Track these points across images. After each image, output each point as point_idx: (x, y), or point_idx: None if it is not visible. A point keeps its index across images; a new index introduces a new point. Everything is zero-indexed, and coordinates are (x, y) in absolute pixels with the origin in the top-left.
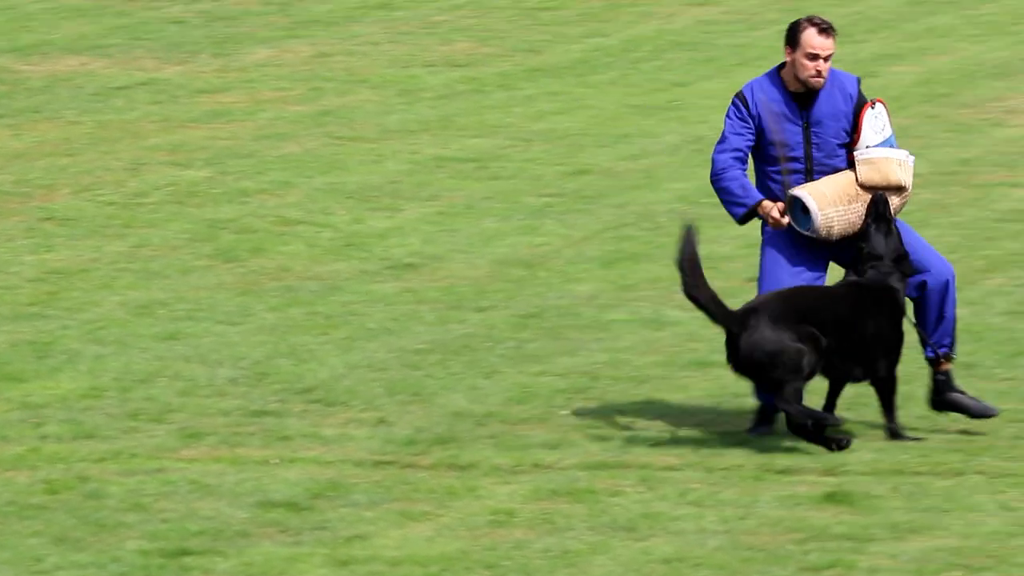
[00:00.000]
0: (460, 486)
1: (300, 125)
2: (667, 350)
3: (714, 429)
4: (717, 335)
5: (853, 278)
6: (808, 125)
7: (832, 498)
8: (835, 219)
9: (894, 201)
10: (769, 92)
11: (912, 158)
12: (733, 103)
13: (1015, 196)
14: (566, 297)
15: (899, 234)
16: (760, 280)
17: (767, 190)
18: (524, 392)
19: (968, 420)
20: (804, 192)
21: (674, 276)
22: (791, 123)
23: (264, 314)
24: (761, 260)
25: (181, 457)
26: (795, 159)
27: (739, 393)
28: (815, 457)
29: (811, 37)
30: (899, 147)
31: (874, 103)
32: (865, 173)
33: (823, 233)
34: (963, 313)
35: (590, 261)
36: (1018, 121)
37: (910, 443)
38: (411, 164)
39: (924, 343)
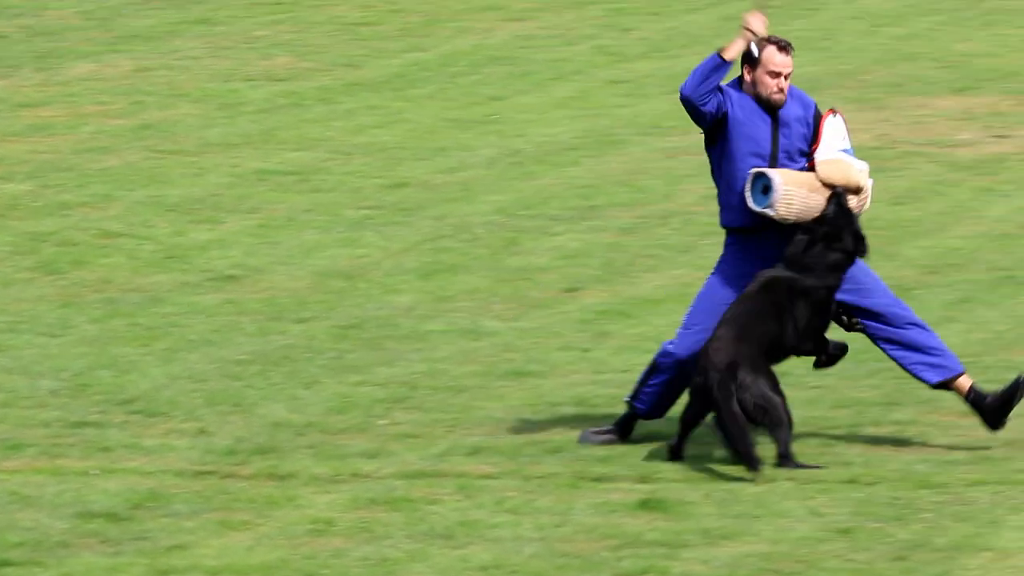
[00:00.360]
0: (280, 495)
1: (121, 139)
2: (484, 360)
3: (530, 438)
4: (533, 345)
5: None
6: (777, 126)
7: (646, 505)
8: (795, 199)
9: (852, 201)
10: (738, 93)
11: (871, 180)
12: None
13: None
14: (385, 308)
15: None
16: (697, 298)
17: (729, 190)
18: (344, 402)
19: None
20: (770, 169)
21: (491, 287)
22: (761, 120)
23: (85, 326)
24: (706, 281)
25: (1, 468)
26: (761, 156)
27: (555, 402)
28: (629, 465)
29: (772, 55)
30: (850, 157)
31: (835, 112)
32: (825, 170)
33: (781, 208)
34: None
35: (409, 273)
36: None
37: (722, 451)
38: (232, 177)
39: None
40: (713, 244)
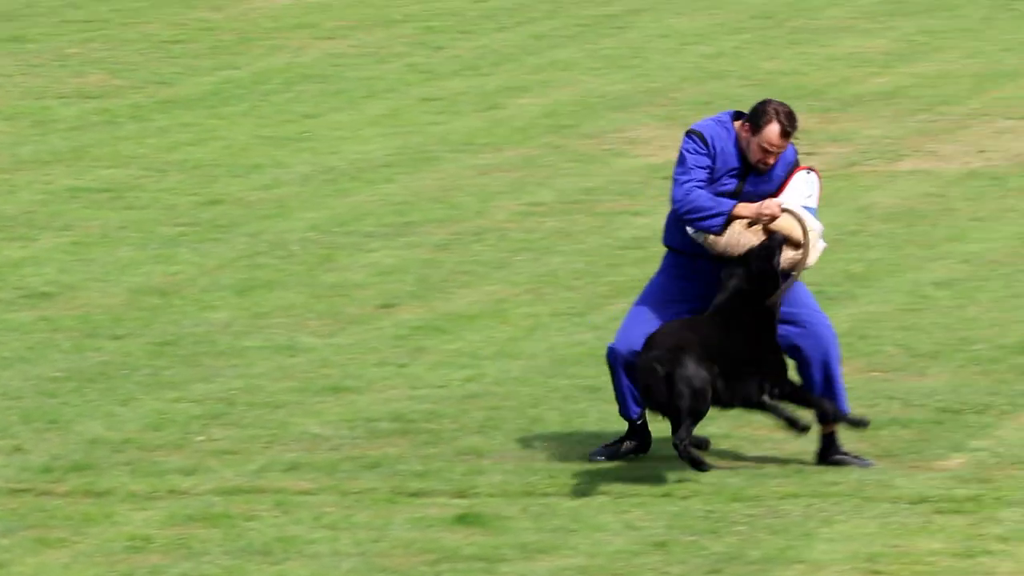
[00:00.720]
0: (97, 512)
1: None
2: (301, 376)
3: (348, 453)
4: (349, 361)
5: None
6: (744, 180)
7: (463, 519)
8: (732, 228)
9: (787, 253)
10: (725, 143)
11: (823, 244)
12: (690, 138)
13: (636, 224)
14: (201, 325)
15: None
16: (638, 299)
17: (682, 233)
18: (160, 419)
19: (594, 442)
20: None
21: (307, 303)
22: (733, 176)
23: None
24: (649, 283)
25: None
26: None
27: (372, 418)
28: (446, 480)
29: (772, 135)
30: (806, 214)
31: (810, 170)
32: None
33: (712, 232)
34: (588, 338)
35: (224, 289)
36: (638, 151)
37: (539, 465)
38: (45, 194)
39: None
40: (526, 260)
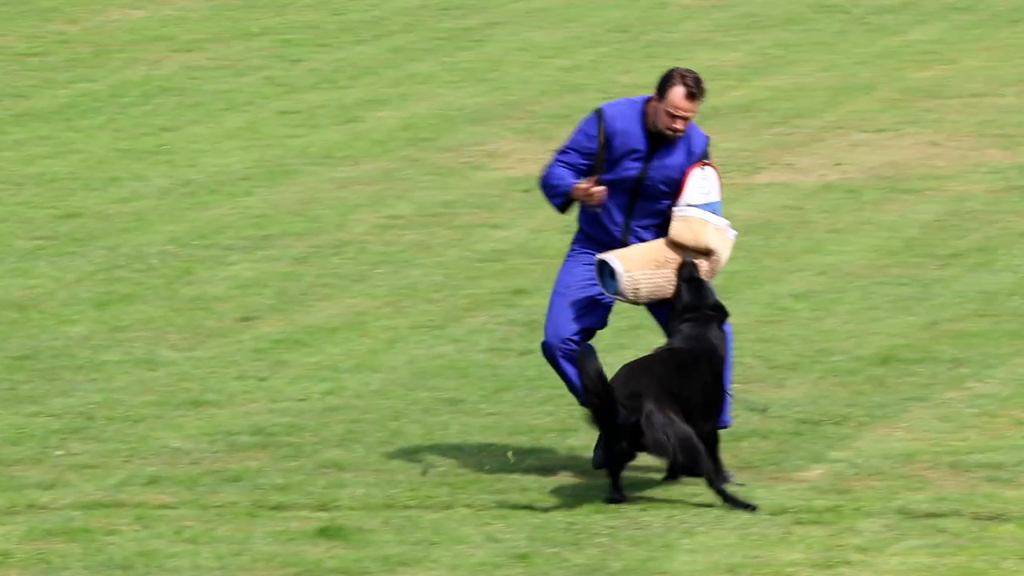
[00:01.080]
0: None
1: None
2: (161, 390)
3: (208, 467)
4: (209, 374)
5: (672, 345)
6: (649, 165)
7: (325, 533)
8: (641, 281)
9: (703, 265)
10: (628, 122)
11: (733, 232)
12: (589, 118)
13: (495, 237)
14: (60, 338)
15: (712, 289)
16: (553, 290)
17: (594, 215)
18: (19, 433)
19: (456, 455)
20: (611, 255)
21: (167, 317)
22: (636, 157)
23: None
24: (559, 271)
25: None
26: (624, 188)
27: (232, 431)
28: (307, 493)
29: (677, 97)
30: (708, 214)
31: (704, 165)
32: (677, 229)
33: (630, 295)
34: (449, 350)
35: (83, 303)
36: (496, 165)
37: (400, 478)
38: None
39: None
40: (386, 273)
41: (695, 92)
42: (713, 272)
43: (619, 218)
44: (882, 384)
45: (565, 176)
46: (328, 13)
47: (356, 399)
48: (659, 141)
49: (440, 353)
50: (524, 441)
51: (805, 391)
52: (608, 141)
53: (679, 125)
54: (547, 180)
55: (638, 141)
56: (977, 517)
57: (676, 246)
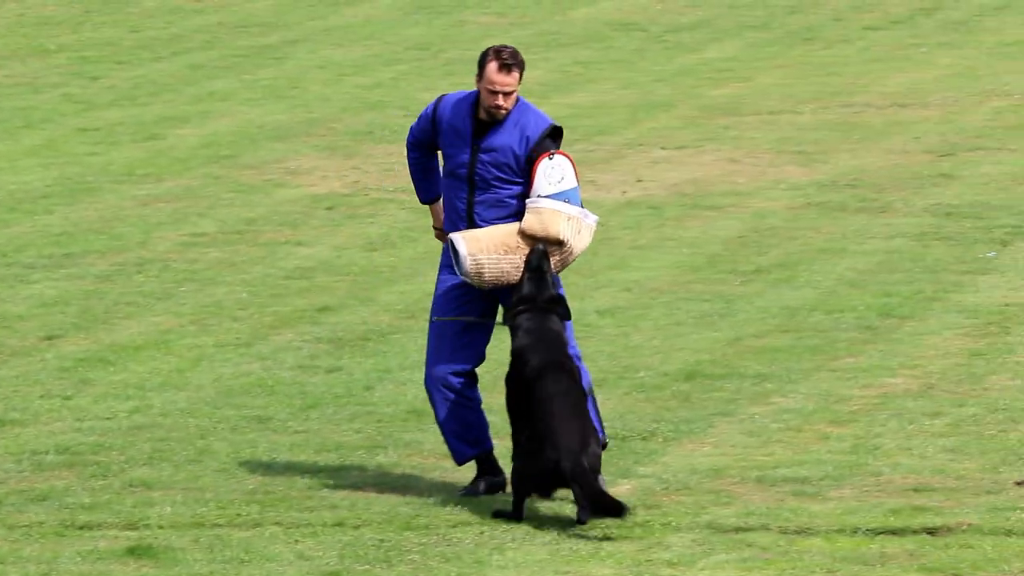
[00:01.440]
0: None
1: None
2: None
3: (13, 487)
4: (13, 393)
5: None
6: (477, 149)
7: (134, 552)
8: (486, 265)
9: (554, 256)
10: (458, 110)
11: (593, 218)
12: (429, 104)
13: (300, 254)
14: None
15: (555, 283)
16: (431, 312)
17: (448, 200)
18: None
19: (264, 472)
20: (459, 235)
21: None
22: (463, 142)
23: None
24: (436, 285)
25: None
26: (461, 178)
27: (38, 450)
28: (115, 512)
29: (491, 72)
30: (560, 204)
31: (552, 155)
32: (528, 221)
33: (473, 278)
34: (255, 368)
35: None
36: (300, 182)
37: (209, 496)
38: None
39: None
40: (190, 290)
41: (509, 64)
42: (565, 262)
43: (462, 210)
44: (688, 399)
45: (417, 176)
46: (126, 30)
47: (163, 417)
48: (486, 126)
49: (247, 371)
50: (332, 459)
51: (612, 407)
52: (437, 126)
53: (500, 101)
54: (408, 159)
55: (463, 125)
56: (784, 531)
57: (527, 237)
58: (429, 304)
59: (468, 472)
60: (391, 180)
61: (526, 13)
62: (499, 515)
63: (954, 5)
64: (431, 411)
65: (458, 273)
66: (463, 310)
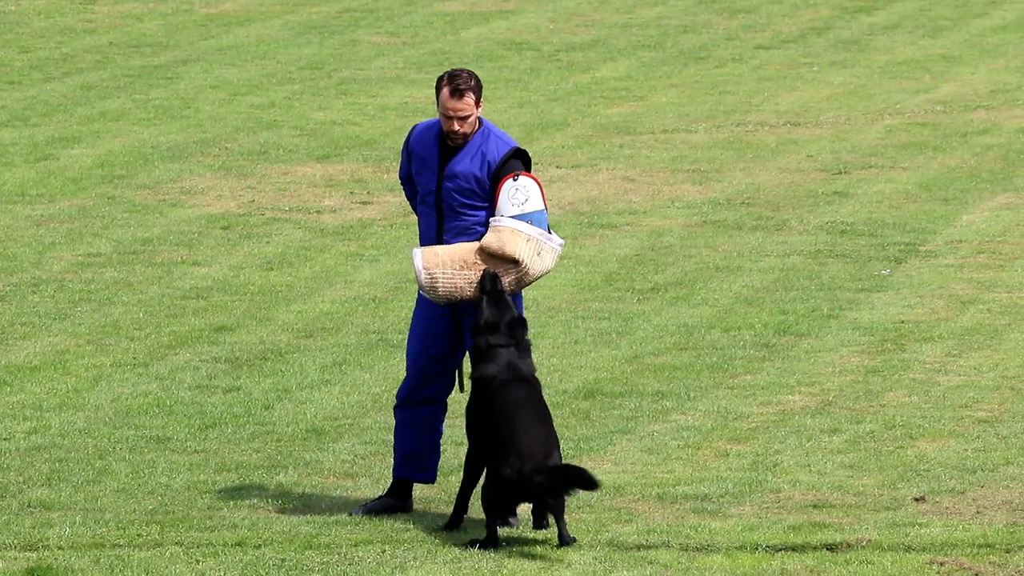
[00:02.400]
0: None
1: None
2: None
3: None
4: None
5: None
6: (442, 176)
7: (33, 573)
8: (440, 280)
9: (509, 275)
10: (425, 137)
11: (558, 240)
12: (408, 133)
13: (196, 274)
14: None
15: (513, 303)
16: (407, 338)
17: (421, 226)
18: None
19: (164, 493)
20: (418, 250)
21: None
22: (429, 170)
23: None
24: (413, 312)
25: None
26: (430, 205)
27: None
28: (14, 533)
29: (444, 99)
30: (522, 224)
31: (517, 176)
32: (487, 238)
33: (428, 291)
34: (153, 388)
35: None
36: (195, 201)
37: (109, 517)
38: None
39: None
40: (86, 310)
41: (461, 88)
42: (520, 282)
43: (433, 237)
44: (587, 417)
45: (413, 204)
46: (16, 51)
47: (61, 438)
48: (451, 152)
49: (145, 391)
50: (232, 478)
51: None
52: (410, 157)
53: (456, 126)
54: (408, 201)
55: (430, 153)
56: (685, 548)
57: (486, 254)
58: (326, 324)
59: (370, 491)
60: (286, 199)
61: (418, 33)
62: (473, 544)
63: (845, 24)
64: (330, 430)
65: (418, 287)
66: (433, 340)
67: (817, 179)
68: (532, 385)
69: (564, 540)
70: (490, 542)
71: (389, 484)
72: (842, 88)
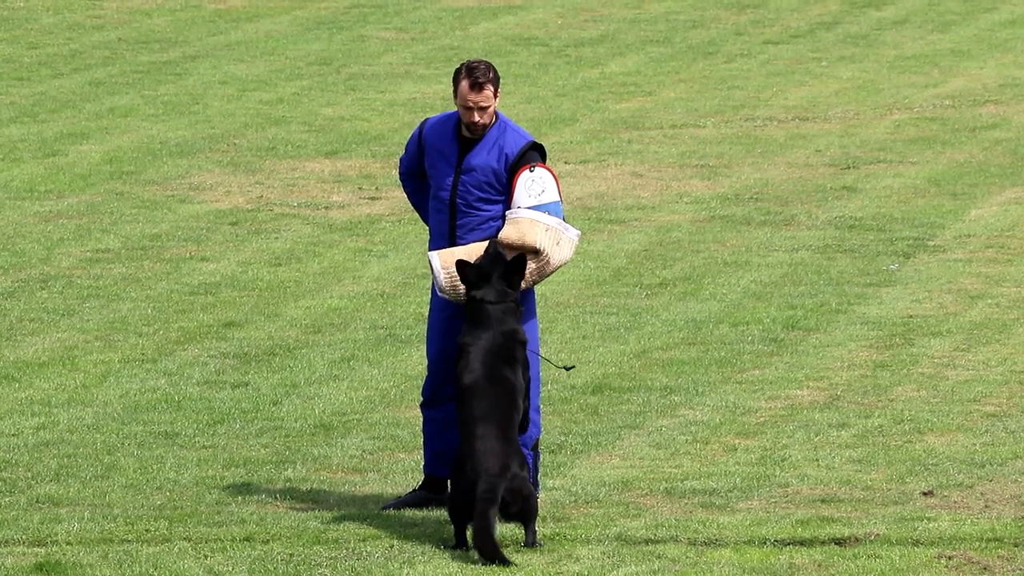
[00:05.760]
0: None
1: None
2: None
3: None
4: None
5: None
6: (460, 170)
7: (42, 568)
8: (459, 279)
9: (531, 264)
10: (442, 130)
11: (575, 231)
12: (416, 128)
13: (204, 270)
14: None
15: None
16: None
17: (433, 222)
18: None
19: (172, 488)
20: (435, 253)
21: None
22: (446, 163)
23: None
24: (429, 310)
25: None
26: (443, 201)
27: None
28: (23, 528)
29: (464, 90)
30: (539, 214)
31: (533, 167)
32: (505, 231)
33: (449, 292)
34: (162, 384)
35: None
36: (203, 197)
37: (117, 512)
38: None
39: None
40: (95, 307)
41: (480, 81)
42: (542, 272)
43: (445, 233)
44: (596, 412)
45: (418, 204)
46: (25, 47)
47: (69, 433)
48: (469, 145)
49: (153, 387)
50: (241, 474)
51: None
52: (423, 149)
53: (476, 117)
54: (409, 199)
55: (448, 146)
56: (693, 543)
57: (505, 247)
58: (334, 320)
59: (378, 486)
60: (294, 195)
61: (427, 28)
62: (445, 545)
63: (853, 19)
64: (338, 426)
65: (438, 289)
66: (452, 339)
67: (826, 174)
68: (504, 386)
69: (526, 543)
70: (456, 544)
71: (421, 479)
72: (851, 83)
